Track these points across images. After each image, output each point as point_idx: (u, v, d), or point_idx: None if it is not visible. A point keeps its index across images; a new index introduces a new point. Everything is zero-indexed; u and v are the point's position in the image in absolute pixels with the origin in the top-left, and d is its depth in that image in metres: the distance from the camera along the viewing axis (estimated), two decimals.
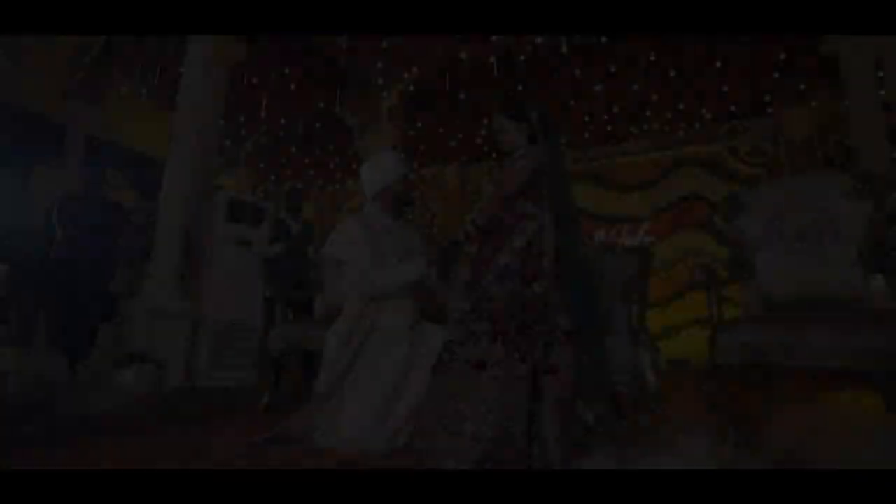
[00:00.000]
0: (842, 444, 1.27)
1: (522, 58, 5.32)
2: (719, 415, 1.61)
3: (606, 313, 2.14)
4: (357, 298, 1.88)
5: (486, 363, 1.55)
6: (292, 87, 5.98)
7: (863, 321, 1.45)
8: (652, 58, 5.44)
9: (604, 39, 5.15)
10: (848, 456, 1.18)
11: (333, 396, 1.82)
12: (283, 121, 7.16)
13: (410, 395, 1.77)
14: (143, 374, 2.48)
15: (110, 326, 3.53)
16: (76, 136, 6.25)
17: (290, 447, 1.75)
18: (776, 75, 5.69)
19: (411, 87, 6.34)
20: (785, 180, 2.14)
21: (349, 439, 1.71)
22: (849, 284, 1.85)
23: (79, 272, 3.13)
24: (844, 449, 1.23)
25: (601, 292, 2.23)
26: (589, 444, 1.47)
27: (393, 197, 2.08)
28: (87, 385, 2.70)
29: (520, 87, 6.09)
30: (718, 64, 5.53)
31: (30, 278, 4.19)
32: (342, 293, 2.37)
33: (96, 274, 3.23)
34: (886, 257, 1.79)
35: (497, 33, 4.65)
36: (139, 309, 3.47)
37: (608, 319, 2.11)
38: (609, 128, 7.43)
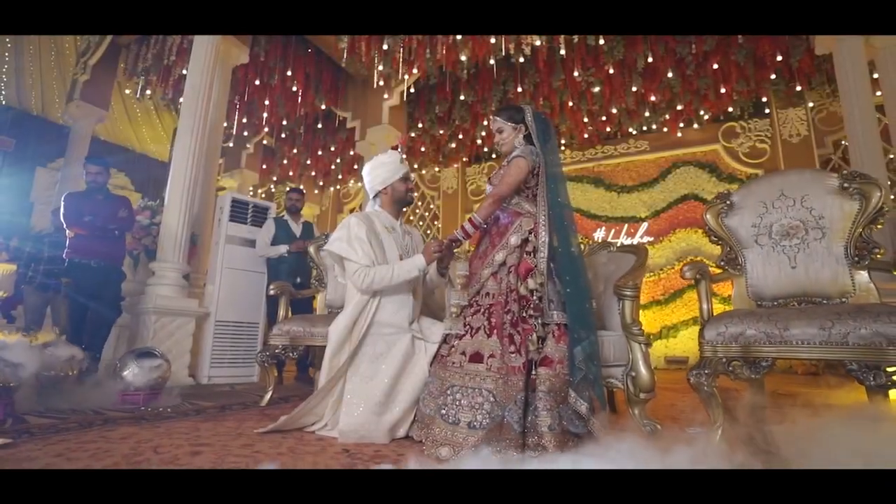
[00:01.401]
0: (826, 430, 1.31)
1: (522, 59, 5.38)
2: (708, 405, 1.66)
3: (600, 308, 2.20)
4: (359, 294, 1.94)
5: (482, 355, 1.61)
6: (294, 88, 6.05)
7: (843, 314, 1.50)
8: (650, 59, 5.50)
9: (601, 41, 5.21)
10: (831, 442, 1.22)
11: (335, 388, 1.88)
12: (284, 122, 7.23)
13: (410, 388, 1.83)
14: (149, 369, 2.53)
15: (118, 324, 3.59)
16: (80, 137, 6.31)
17: (293, 437, 1.81)
18: (773, 76, 5.75)
19: (412, 89, 6.42)
20: (773, 179, 2.19)
21: (350, 430, 1.76)
22: (835, 281, 1.91)
23: (90, 270, 3.16)
24: (828, 435, 1.27)
25: (595, 288, 2.30)
26: (581, 433, 1.53)
27: (393, 196, 2.14)
28: (96, 380, 2.77)
29: (519, 89, 6.16)
30: (715, 65, 5.59)
31: (37, 277, 4.26)
32: (343, 291, 2.43)
33: (107, 272, 3.25)
34: (870, 254, 1.85)
35: (496, 34, 4.70)
36: (145, 307, 3.53)
37: (602, 314, 2.17)
38: (608, 129, 7.50)
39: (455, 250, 2.00)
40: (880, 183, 1.88)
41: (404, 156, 2.16)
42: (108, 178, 3.43)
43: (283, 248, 3.98)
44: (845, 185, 1.93)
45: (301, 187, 4.57)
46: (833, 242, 1.93)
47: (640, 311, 6.79)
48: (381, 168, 2.12)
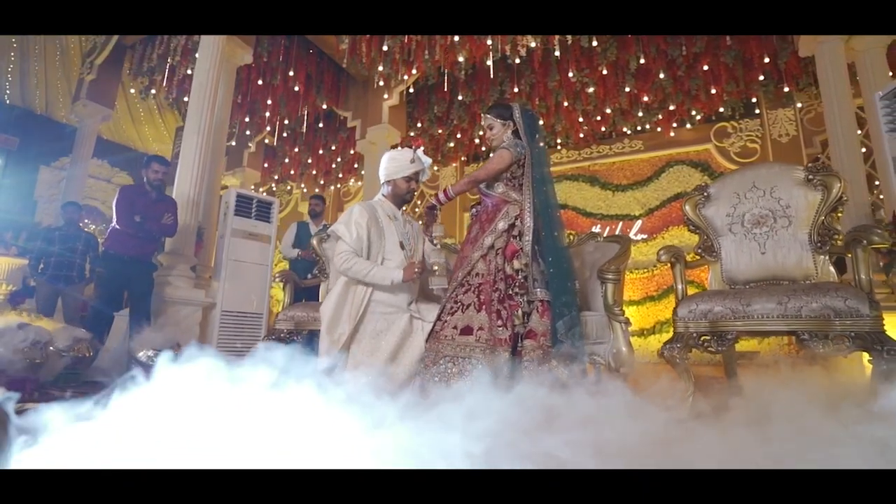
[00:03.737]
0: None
1: (518, 60, 5.54)
2: (681, 376, 1.82)
3: (586, 292, 2.35)
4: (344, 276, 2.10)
5: (472, 328, 1.77)
6: (296, 88, 6.20)
7: (798, 290, 1.66)
8: (642, 60, 5.67)
9: (595, 43, 5.38)
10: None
11: (338, 364, 2.04)
12: (286, 121, 7.38)
13: (407, 362, 1.99)
14: (161, 352, 2.68)
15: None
16: (86, 136, 6.45)
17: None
18: (761, 78, 5.91)
19: (411, 89, 6.57)
20: (746, 172, 2.34)
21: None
22: (800, 265, 2.07)
23: (123, 263, 3.29)
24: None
25: (582, 274, 2.45)
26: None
27: (394, 190, 2.29)
28: (105, 363, 2.91)
29: (516, 89, 6.32)
30: (706, 67, 5.76)
31: (48, 270, 4.41)
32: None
33: (140, 265, 3.38)
34: (830, 240, 2.01)
35: (493, 34, 4.85)
36: (155, 298, 3.68)
37: (587, 297, 2.33)
38: (603, 129, 7.66)
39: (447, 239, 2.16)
40: (840, 175, 2.04)
41: (418, 157, 2.29)
42: (164, 176, 3.52)
43: (294, 252, 4.41)
44: (810, 177, 2.10)
45: (322, 195, 4.89)
46: (798, 230, 2.09)
47: (635, 308, 6.95)
48: (390, 162, 2.28)
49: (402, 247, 2.17)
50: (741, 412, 1.26)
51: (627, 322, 2.06)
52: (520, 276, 1.85)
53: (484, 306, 1.79)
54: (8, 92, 8.03)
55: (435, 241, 1.97)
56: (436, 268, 1.94)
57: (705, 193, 2.39)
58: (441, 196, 2.08)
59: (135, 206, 3.30)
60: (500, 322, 1.77)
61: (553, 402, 1.11)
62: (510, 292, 1.84)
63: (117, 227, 3.28)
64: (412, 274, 2.00)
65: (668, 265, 2.26)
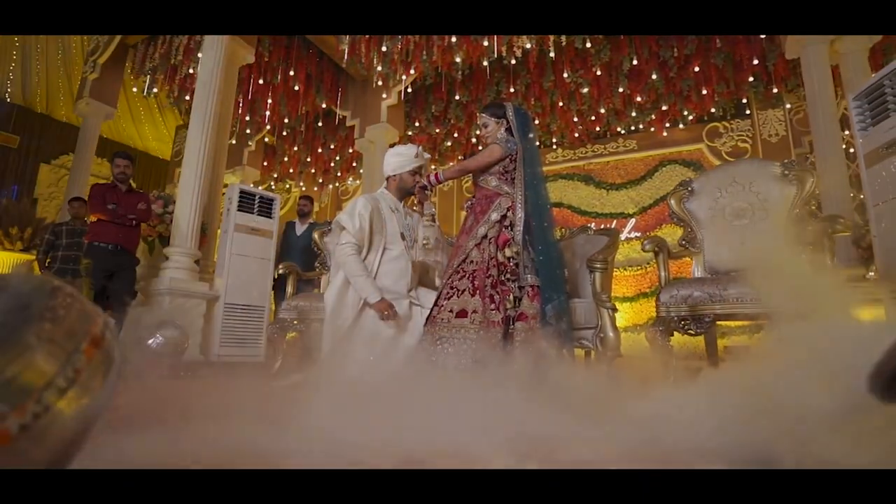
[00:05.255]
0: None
1: (514, 61, 5.67)
2: (660, 351, 1.95)
3: (577, 280, 2.48)
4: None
5: (467, 311, 1.90)
6: (296, 87, 6.30)
7: (770, 276, 1.79)
8: (634, 62, 5.80)
9: (588, 44, 5.51)
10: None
11: (341, 347, 2.16)
12: (286, 120, 7.48)
13: (407, 344, 2.11)
14: (170, 338, 2.80)
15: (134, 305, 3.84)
16: (89, 134, 6.53)
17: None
18: (751, 79, 6.05)
19: (409, 89, 6.69)
20: (728, 168, 2.47)
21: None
22: (777, 254, 2.20)
23: (107, 253, 3.42)
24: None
25: (573, 265, 2.58)
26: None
27: (399, 183, 2.42)
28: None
29: (512, 89, 6.45)
30: (696, 68, 5.90)
31: (55, 263, 4.51)
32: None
33: (122, 256, 3.51)
34: (804, 231, 2.14)
35: (490, 34, 4.96)
36: (159, 289, 3.79)
37: (577, 286, 2.46)
38: (597, 128, 7.79)
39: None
40: (813, 171, 2.18)
41: (421, 153, 2.43)
42: (133, 171, 3.68)
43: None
44: (785, 172, 2.23)
45: (309, 196, 5.08)
46: (775, 221, 2.22)
47: (629, 304, 7.11)
48: (396, 157, 2.40)
49: (403, 237, 2.30)
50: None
51: (614, 308, 2.19)
52: (511, 264, 1.98)
53: (478, 291, 1.91)
54: (9, 90, 8.10)
55: (426, 218, 2.14)
56: (424, 242, 2.09)
57: (689, 188, 2.52)
58: (432, 178, 2.22)
59: (107, 198, 3.48)
60: (492, 306, 1.89)
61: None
62: (502, 278, 1.97)
63: (93, 217, 3.46)
64: (382, 309, 2.07)
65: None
